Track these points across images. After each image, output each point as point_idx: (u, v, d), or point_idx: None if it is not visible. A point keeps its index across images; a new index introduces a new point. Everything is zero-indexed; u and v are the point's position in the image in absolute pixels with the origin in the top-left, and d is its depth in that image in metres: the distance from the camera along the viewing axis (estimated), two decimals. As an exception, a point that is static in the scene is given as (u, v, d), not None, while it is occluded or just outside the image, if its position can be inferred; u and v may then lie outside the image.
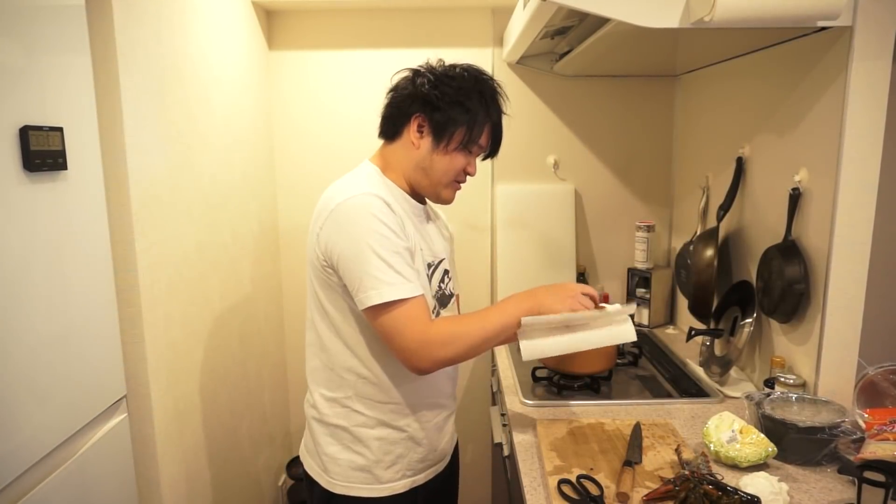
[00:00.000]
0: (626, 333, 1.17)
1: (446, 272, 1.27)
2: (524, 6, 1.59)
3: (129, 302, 1.32)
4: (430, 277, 1.20)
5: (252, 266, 2.01)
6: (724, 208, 1.72)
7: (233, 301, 1.85)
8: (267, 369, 2.16)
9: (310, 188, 2.22)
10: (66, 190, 1.12)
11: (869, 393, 1.30)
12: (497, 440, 1.66)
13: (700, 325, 1.72)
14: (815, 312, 1.37)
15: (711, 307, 1.70)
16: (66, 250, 1.12)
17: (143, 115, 1.34)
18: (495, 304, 1.16)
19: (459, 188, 1.24)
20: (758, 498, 0.99)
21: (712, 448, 1.20)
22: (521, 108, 2.18)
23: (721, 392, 1.55)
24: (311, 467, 1.26)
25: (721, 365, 1.61)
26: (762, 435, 1.19)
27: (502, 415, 1.65)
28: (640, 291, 2.17)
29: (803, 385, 1.38)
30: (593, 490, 1.09)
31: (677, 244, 2.16)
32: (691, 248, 1.89)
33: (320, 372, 1.22)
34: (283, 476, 2.31)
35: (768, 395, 1.31)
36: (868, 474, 0.99)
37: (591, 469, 1.17)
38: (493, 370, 2.01)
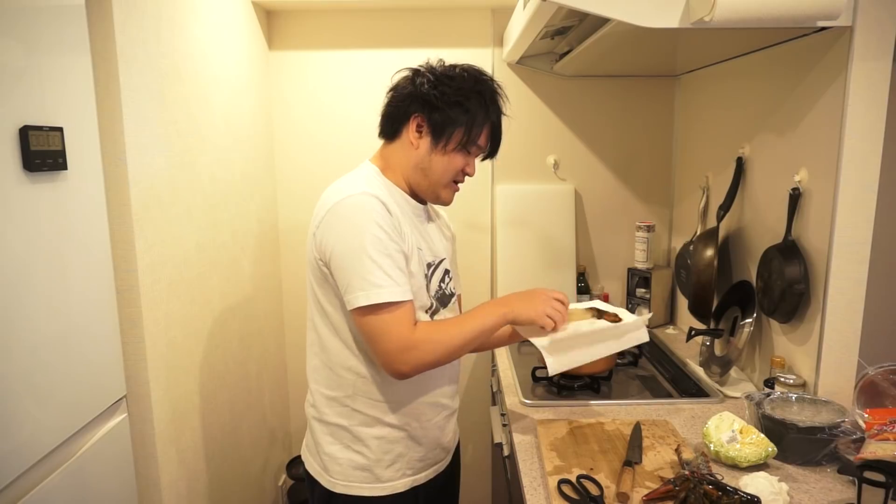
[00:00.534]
0: (640, 336, 1.25)
1: (447, 272, 1.27)
2: (524, 6, 1.59)
3: (129, 302, 1.32)
4: (429, 277, 1.20)
5: (252, 266, 2.01)
6: (724, 208, 1.72)
7: (233, 301, 1.85)
8: (267, 369, 2.16)
9: (310, 188, 2.23)
10: (66, 190, 1.12)
11: (869, 393, 1.30)
12: (497, 440, 1.66)
13: (700, 325, 1.72)
14: (815, 312, 1.37)
15: (711, 307, 1.70)
16: (66, 250, 1.12)
17: (143, 115, 1.34)
18: (470, 311, 1.18)
19: (458, 189, 1.24)
20: (758, 498, 0.99)
21: (712, 448, 1.20)
22: (521, 108, 2.18)
23: (721, 392, 1.55)
24: (312, 467, 1.26)
25: (721, 365, 1.61)
26: (762, 435, 1.19)
27: (502, 415, 1.65)
28: (640, 291, 2.17)
29: (803, 385, 1.38)
30: (593, 490, 1.09)
31: (677, 244, 2.16)
32: (691, 248, 1.89)
33: (320, 371, 1.22)
34: (283, 476, 2.31)
35: (768, 395, 1.31)
36: (868, 474, 1.00)
37: (591, 469, 1.17)
38: (493, 370, 2.01)
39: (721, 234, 1.73)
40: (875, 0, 1.21)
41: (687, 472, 1.06)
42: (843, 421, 1.18)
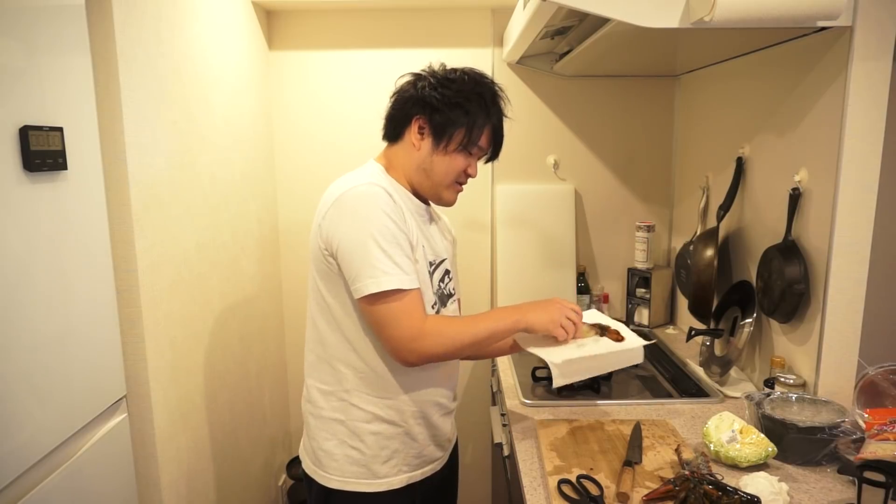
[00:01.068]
0: (636, 356, 1.27)
1: (447, 272, 1.28)
2: (524, 6, 1.59)
3: (129, 302, 1.32)
4: (431, 275, 1.21)
5: (252, 266, 2.01)
6: (724, 208, 1.72)
7: (233, 301, 1.85)
8: (267, 369, 2.16)
9: (310, 188, 2.23)
10: (66, 190, 1.12)
11: (869, 393, 1.30)
12: (497, 440, 1.66)
13: (700, 325, 1.72)
14: (815, 312, 1.37)
15: (711, 307, 1.70)
16: (66, 250, 1.12)
17: (143, 115, 1.34)
18: (484, 312, 1.20)
19: (461, 189, 1.25)
20: (758, 498, 0.99)
21: (712, 448, 1.20)
22: (521, 108, 2.18)
23: (721, 392, 1.55)
24: (308, 465, 1.26)
25: (721, 365, 1.61)
26: (762, 435, 1.19)
27: (502, 415, 1.65)
28: (640, 291, 2.17)
29: (803, 385, 1.38)
30: (593, 490, 1.09)
31: (677, 244, 2.16)
32: (691, 248, 1.89)
33: (317, 366, 1.22)
34: (283, 476, 2.31)
35: (768, 395, 1.31)
36: (868, 474, 0.99)
37: (591, 469, 1.17)
38: (493, 370, 2.00)
39: (721, 234, 1.73)
40: (875, 0, 1.21)
41: (687, 472, 1.06)
42: (843, 421, 1.18)
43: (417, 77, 1.21)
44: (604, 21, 1.37)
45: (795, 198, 1.41)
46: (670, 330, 2.15)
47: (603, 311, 2.22)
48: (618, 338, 1.28)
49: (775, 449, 1.17)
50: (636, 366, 1.81)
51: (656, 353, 1.92)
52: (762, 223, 1.59)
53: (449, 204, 1.25)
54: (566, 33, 1.74)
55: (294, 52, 2.18)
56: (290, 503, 2.25)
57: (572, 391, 1.60)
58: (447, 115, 1.16)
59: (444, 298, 1.25)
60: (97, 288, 1.22)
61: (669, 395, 1.61)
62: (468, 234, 2.24)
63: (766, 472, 1.11)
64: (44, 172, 1.05)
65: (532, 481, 1.17)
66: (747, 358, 1.67)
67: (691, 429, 1.36)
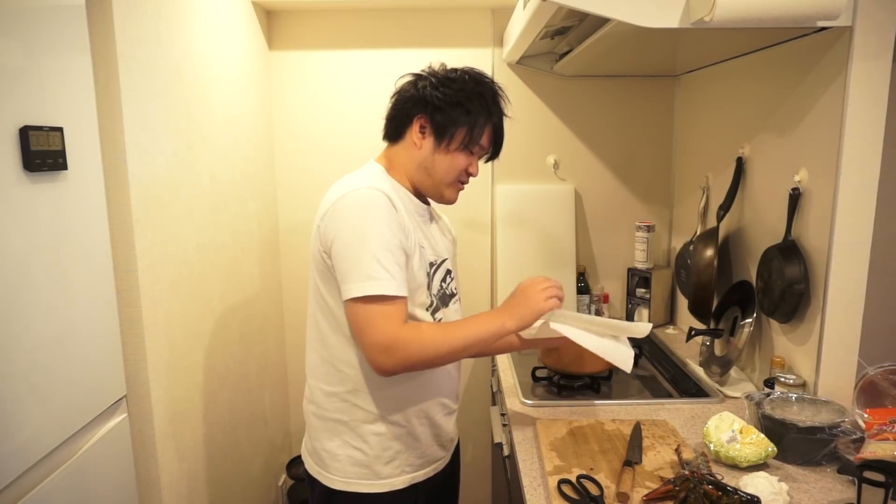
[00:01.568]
0: (625, 360, 1.22)
1: (448, 272, 1.28)
2: (524, 6, 1.59)
3: (129, 302, 1.32)
4: (432, 276, 1.21)
5: (252, 266, 2.01)
6: (724, 208, 1.72)
7: (233, 301, 1.85)
8: (267, 369, 2.16)
9: (310, 188, 2.23)
10: (66, 190, 1.12)
11: (869, 393, 1.30)
12: (497, 440, 1.66)
13: (700, 325, 1.72)
14: (815, 312, 1.37)
15: (711, 307, 1.70)
16: (66, 250, 1.12)
17: (143, 114, 1.34)
18: (466, 318, 1.18)
19: (462, 188, 1.25)
20: (758, 498, 0.99)
21: (712, 448, 1.20)
22: (521, 108, 2.18)
23: (721, 392, 1.55)
24: (311, 466, 1.26)
25: (721, 365, 1.61)
26: (762, 435, 1.19)
27: (502, 415, 1.65)
28: (640, 291, 2.17)
29: (803, 385, 1.38)
30: (593, 490, 1.09)
31: (677, 244, 2.16)
32: (691, 248, 1.89)
33: (319, 366, 1.22)
34: (283, 476, 2.31)
35: (768, 395, 1.31)
36: (868, 474, 1.00)
37: (591, 469, 1.17)
38: (493, 370, 2.01)
39: (721, 234, 1.73)
40: (875, 0, 1.21)
41: (687, 472, 1.06)
42: (843, 421, 1.18)
43: (418, 77, 1.21)
44: (604, 21, 1.38)
45: (795, 198, 1.41)
46: (670, 330, 2.15)
47: (603, 312, 2.23)
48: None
49: (775, 449, 1.17)
50: (636, 365, 1.84)
51: (656, 353, 1.93)
52: (762, 223, 1.59)
53: (450, 202, 1.26)
54: (566, 33, 1.74)
55: (294, 52, 2.18)
56: (289, 503, 2.25)
57: (572, 391, 1.60)
58: (449, 115, 1.16)
59: (445, 299, 1.25)
60: (97, 288, 1.22)
61: (669, 395, 1.61)
62: (468, 234, 2.24)
63: (766, 472, 1.11)
64: (44, 172, 1.05)
65: (532, 481, 1.17)
66: (747, 358, 1.67)
67: (691, 429, 1.36)
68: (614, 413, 1.45)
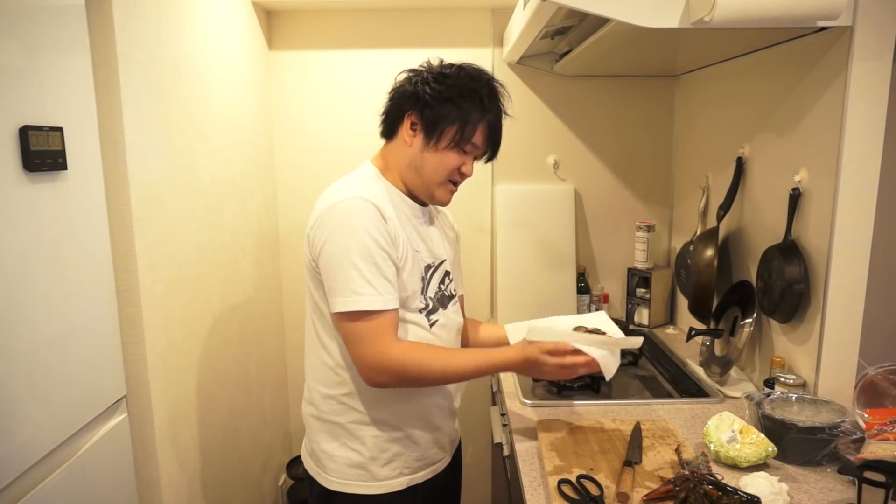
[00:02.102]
0: (610, 369, 1.16)
1: (447, 273, 1.27)
2: (524, 6, 1.59)
3: (129, 302, 1.32)
4: (428, 280, 1.20)
5: (252, 266, 2.01)
6: (724, 208, 1.72)
7: (233, 301, 1.85)
8: (267, 370, 2.16)
9: (310, 188, 2.22)
10: (66, 190, 1.12)
11: (869, 393, 1.30)
12: (497, 440, 1.66)
13: (700, 325, 1.72)
14: (815, 312, 1.37)
15: (711, 307, 1.70)
16: (66, 250, 1.12)
17: (143, 114, 1.34)
18: (465, 351, 1.20)
19: (455, 189, 1.22)
20: (758, 498, 0.99)
21: (712, 448, 1.20)
22: (521, 108, 2.18)
23: (721, 392, 1.55)
24: (310, 466, 1.26)
25: (721, 365, 1.61)
26: (762, 435, 1.19)
27: (502, 415, 1.65)
28: (640, 291, 2.17)
29: (803, 385, 1.38)
30: (593, 490, 1.09)
31: (677, 244, 2.16)
32: (691, 248, 1.89)
33: (318, 369, 1.22)
34: (283, 476, 2.31)
35: (768, 395, 1.31)
36: (868, 474, 0.99)
37: (591, 469, 1.17)
38: (493, 370, 2.00)
39: (721, 234, 1.73)
40: (875, 0, 1.21)
41: (687, 472, 1.06)
42: (843, 421, 1.18)
43: (414, 73, 1.19)
44: (604, 21, 1.37)
45: (795, 198, 1.41)
46: (670, 330, 2.14)
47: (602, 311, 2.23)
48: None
49: (775, 449, 1.17)
50: (636, 366, 1.84)
51: (656, 353, 1.92)
52: (762, 223, 1.59)
53: (442, 203, 1.23)
54: (566, 33, 1.74)
55: (294, 52, 2.18)
56: (289, 503, 2.25)
57: (572, 391, 1.60)
58: (438, 111, 1.14)
59: (444, 301, 1.25)
60: (97, 288, 1.22)
61: (669, 395, 1.61)
62: (468, 235, 2.24)
63: (766, 472, 1.11)
64: (44, 172, 1.05)
65: (532, 481, 1.17)
66: (747, 358, 1.67)
67: (691, 429, 1.36)
68: (614, 413, 1.45)
